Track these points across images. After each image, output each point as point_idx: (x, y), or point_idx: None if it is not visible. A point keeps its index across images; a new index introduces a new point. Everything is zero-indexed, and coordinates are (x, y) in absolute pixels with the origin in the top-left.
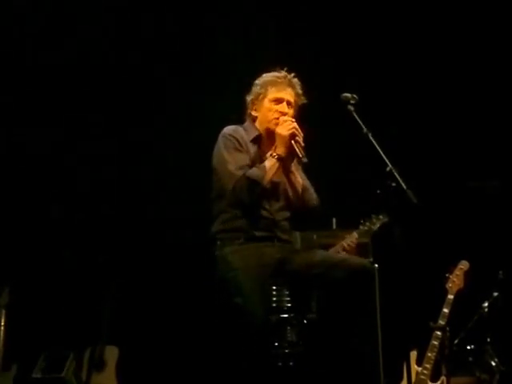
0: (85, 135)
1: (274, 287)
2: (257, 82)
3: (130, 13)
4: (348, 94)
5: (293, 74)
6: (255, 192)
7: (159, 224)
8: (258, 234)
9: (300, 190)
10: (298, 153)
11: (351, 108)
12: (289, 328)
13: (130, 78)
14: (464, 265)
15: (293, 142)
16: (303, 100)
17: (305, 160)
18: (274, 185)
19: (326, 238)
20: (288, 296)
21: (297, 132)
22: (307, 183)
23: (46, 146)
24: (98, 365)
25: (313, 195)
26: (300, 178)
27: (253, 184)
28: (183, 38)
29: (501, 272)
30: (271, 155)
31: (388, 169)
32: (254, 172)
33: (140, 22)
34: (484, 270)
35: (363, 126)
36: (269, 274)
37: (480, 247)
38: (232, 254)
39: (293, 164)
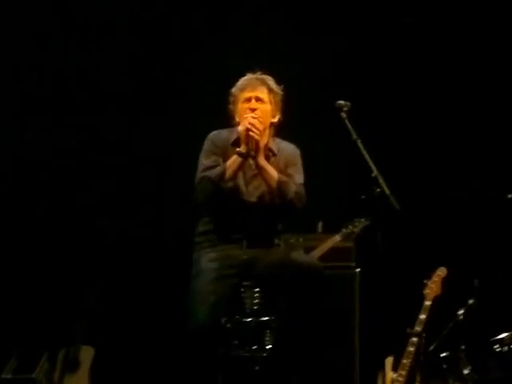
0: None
1: (256, 289)
2: (231, 90)
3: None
4: (342, 102)
5: (259, 72)
6: (210, 190)
7: (138, 225)
8: (229, 235)
9: (274, 185)
10: (250, 149)
11: (344, 115)
12: (268, 331)
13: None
14: (442, 271)
15: (250, 133)
16: (279, 93)
17: (252, 153)
18: (247, 184)
19: (311, 241)
20: (264, 299)
21: (251, 127)
22: (295, 177)
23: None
24: (72, 365)
25: (291, 188)
26: (275, 173)
27: (208, 183)
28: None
29: (476, 280)
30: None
31: (373, 175)
32: (213, 171)
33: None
34: (461, 277)
35: (353, 133)
36: (234, 276)
37: (457, 255)
38: (202, 256)
39: (262, 158)
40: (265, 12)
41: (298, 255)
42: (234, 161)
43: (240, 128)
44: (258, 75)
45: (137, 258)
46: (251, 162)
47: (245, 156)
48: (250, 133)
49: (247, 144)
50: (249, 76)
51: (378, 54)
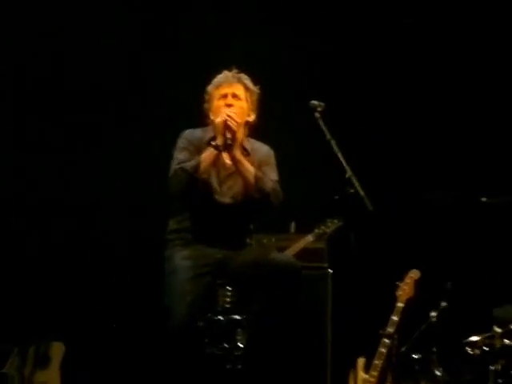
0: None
1: (229, 288)
2: (206, 88)
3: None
4: (316, 102)
5: (236, 71)
6: (185, 181)
7: (111, 221)
8: (202, 235)
9: (252, 179)
10: (227, 138)
11: (317, 115)
12: (239, 330)
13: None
14: (414, 273)
15: (228, 122)
16: (255, 92)
17: (229, 142)
18: (221, 184)
19: (283, 241)
20: (238, 297)
21: (229, 118)
22: (270, 175)
23: None
24: (43, 361)
25: (267, 183)
26: (252, 167)
27: (183, 173)
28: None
29: (449, 283)
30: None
31: (347, 176)
32: (188, 164)
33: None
34: (434, 279)
35: (327, 133)
36: (209, 275)
37: (430, 257)
38: (175, 254)
39: (238, 152)
40: (243, 11)
41: (276, 254)
42: (209, 154)
43: (217, 120)
44: (234, 73)
45: (106, 254)
46: (227, 161)
47: (220, 149)
48: (228, 122)
49: (224, 135)
50: (225, 73)
51: (354, 54)
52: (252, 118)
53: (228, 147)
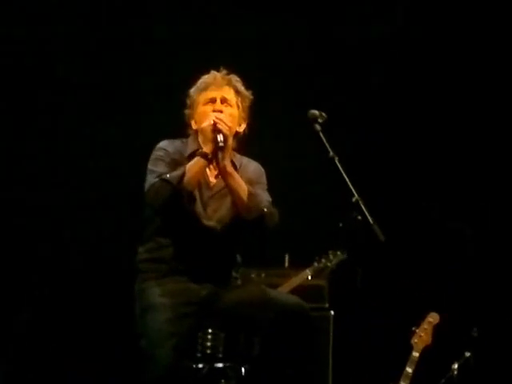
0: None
1: (210, 330)
2: (190, 91)
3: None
4: (316, 111)
5: (225, 72)
6: (166, 193)
7: (73, 254)
8: (185, 265)
9: (244, 197)
10: (219, 140)
11: (318, 127)
12: (223, 381)
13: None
14: (433, 317)
15: (218, 126)
16: (248, 97)
17: (221, 144)
18: (205, 207)
19: (275, 277)
20: (224, 341)
21: (218, 121)
22: (262, 195)
23: None
24: None
25: (262, 202)
26: (243, 183)
27: (164, 183)
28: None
29: (475, 329)
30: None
31: (354, 199)
32: (170, 174)
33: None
34: (457, 325)
35: (330, 149)
36: (193, 314)
37: (453, 298)
38: (150, 289)
39: (229, 164)
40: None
41: (279, 294)
42: (195, 163)
43: (204, 124)
44: (224, 74)
45: (67, 284)
46: (211, 179)
47: (209, 157)
48: (218, 125)
49: (214, 139)
50: (212, 74)
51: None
52: (242, 128)
53: (219, 151)
